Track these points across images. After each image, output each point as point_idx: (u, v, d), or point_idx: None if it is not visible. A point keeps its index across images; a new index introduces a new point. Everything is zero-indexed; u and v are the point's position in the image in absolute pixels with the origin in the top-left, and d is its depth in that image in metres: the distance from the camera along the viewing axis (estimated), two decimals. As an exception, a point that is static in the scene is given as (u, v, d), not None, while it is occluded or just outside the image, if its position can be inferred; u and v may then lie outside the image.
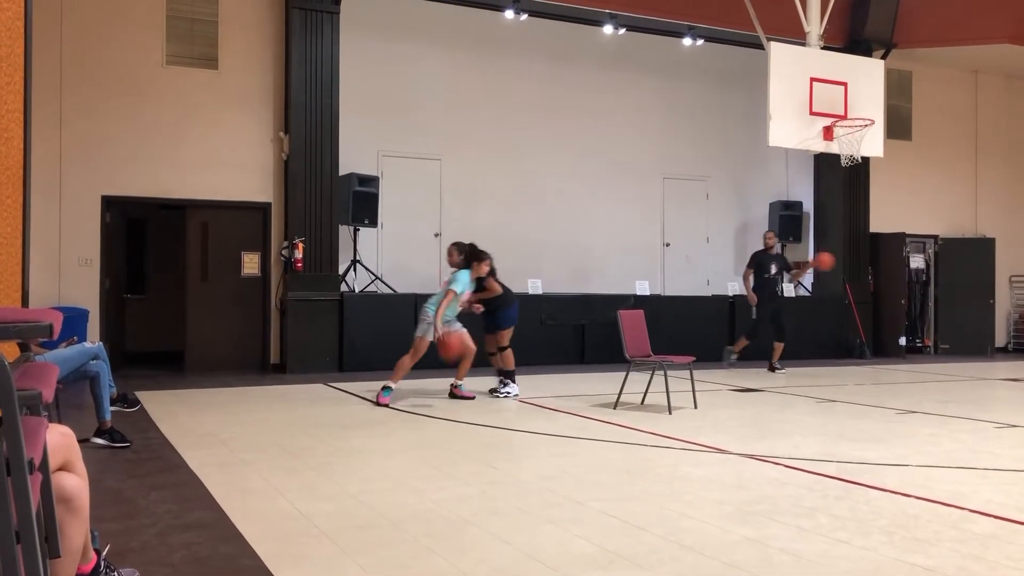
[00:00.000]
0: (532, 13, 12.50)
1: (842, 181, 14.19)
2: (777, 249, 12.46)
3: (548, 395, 8.94)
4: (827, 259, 11.90)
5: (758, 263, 11.96)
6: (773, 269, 11.88)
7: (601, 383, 9.72)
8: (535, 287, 12.46)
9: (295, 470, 5.27)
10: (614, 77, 14.11)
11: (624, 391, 8.14)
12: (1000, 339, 16.12)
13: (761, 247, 12.38)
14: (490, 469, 5.35)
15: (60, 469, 2.41)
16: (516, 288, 12.42)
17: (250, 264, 11.40)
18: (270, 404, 8.16)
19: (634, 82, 14.28)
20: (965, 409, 8.32)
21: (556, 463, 5.54)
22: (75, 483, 2.43)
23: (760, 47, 10.62)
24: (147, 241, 13.61)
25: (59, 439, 2.41)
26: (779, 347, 11.82)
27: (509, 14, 12.32)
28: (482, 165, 13.17)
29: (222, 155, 11.08)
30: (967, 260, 15.65)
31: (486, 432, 6.71)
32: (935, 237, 15.71)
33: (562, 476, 5.13)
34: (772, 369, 11.80)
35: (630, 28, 13.15)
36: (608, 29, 12.94)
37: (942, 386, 10.49)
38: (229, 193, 11.16)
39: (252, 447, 6.00)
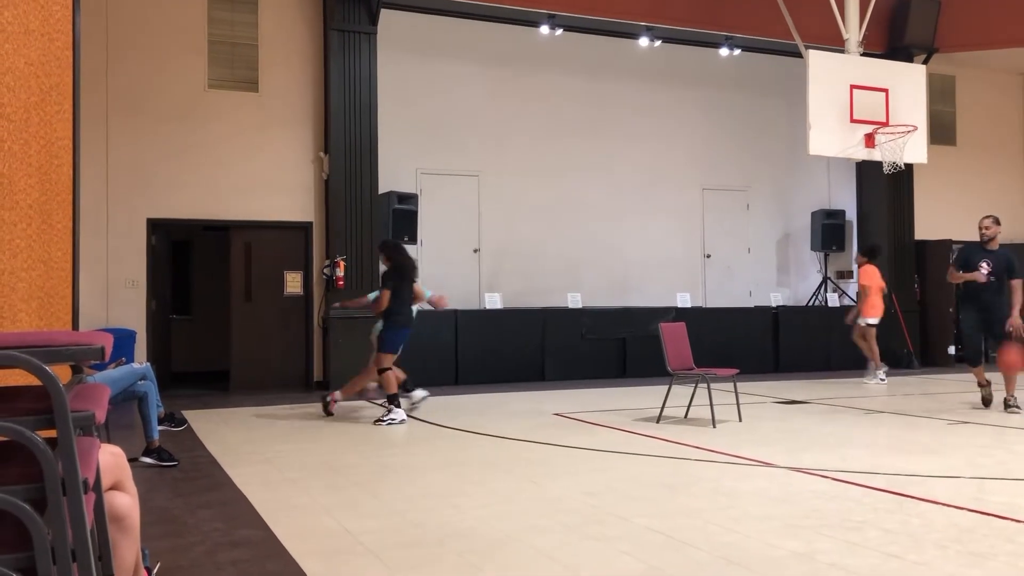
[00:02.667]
0: (567, 28, 12.54)
1: (885, 189, 13.99)
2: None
3: (590, 409, 8.90)
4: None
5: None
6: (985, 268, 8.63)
7: (643, 397, 9.66)
8: (575, 301, 12.45)
9: (340, 487, 5.30)
10: (652, 89, 14.09)
11: (667, 405, 8.07)
12: (1053, 347, 15.70)
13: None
14: (533, 485, 5.34)
15: (111, 488, 2.46)
16: (555, 302, 12.51)
17: (293, 283, 11.54)
18: (314, 421, 8.23)
19: (672, 94, 14.25)
20: (1019, 419, 8.11)
21: (599, 478, 5.51)
22: (126, 502, 2.47)
23: (799, 55, 10.55)
24: (192, 263, 13.84)
25: (110, 459, 2.46)
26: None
27: (544, 29, 12.37)
28: (520, 180, 13.21)
29: (264, 176, 11.26)
30: (1019, 266, 15.27)
31: (528, 448, 6.69)
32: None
33: (605, 492, 5.10)
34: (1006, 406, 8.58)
35: (667, 40, 13.13)
36: (644, 42, 12.94)
37: (996, 395, 10.24)
38: (271, 214, 11.32)
39: (297, 465, 6.06)
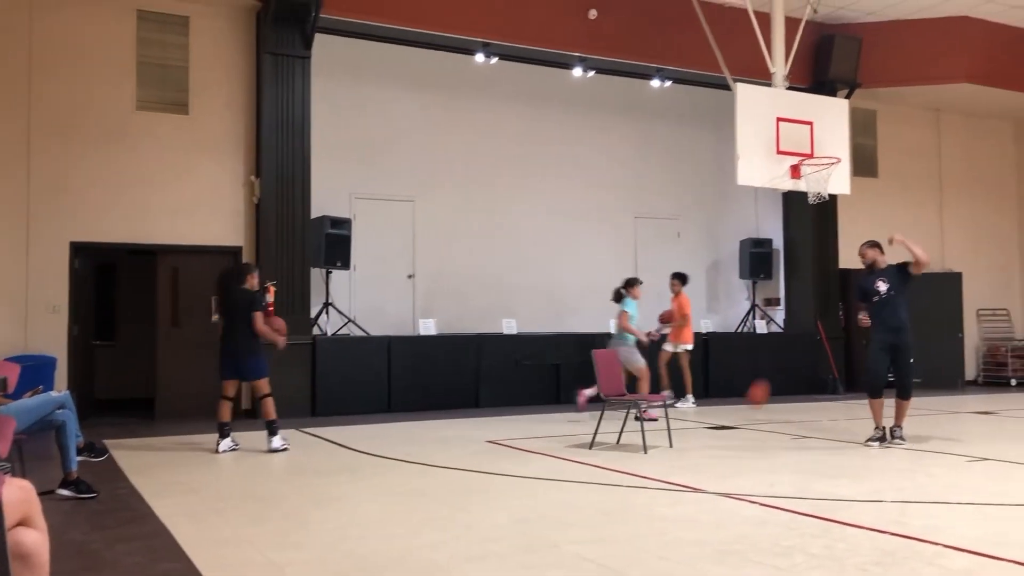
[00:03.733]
0: (503, 56, 12.63)
1: (811, 218, 14.34)
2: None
3: (523, 436, 8.88)
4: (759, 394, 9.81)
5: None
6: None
7: (576, 424, 9.68)
8: (510, 327, 12.45)
9: (267, 518, 5.17)
10: (586, 118, 14.28)
11: (599, 431, 8.11)
12: (970, 372, 16.28)
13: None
14: (465, 514, 5.29)
15: (19, 524, 2.35)
16: (490, 328, 12.49)
17: (221, 309, 11.29)
18: (242, 451, 8.03)
19: (606, 123, 14.46)
20: (937, 443, 8.37)
21: (531, 505, 5.49)
22: (34, 538, 2.36)
23: (728, 88, 10.80)
24: (117, 287, 13.46)
25: (17, 493, 2.35)
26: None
27: (479, 57, 12.44)
28: (456, 206, 13.23)
29: (192, 199, 11.02)
30: (935, 294, 15.83)
31: (461, 476, 6.64)
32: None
33: (538, 519, 5.08)
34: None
35: (600, 71, 13.32)
36: (578, 72, 13.10)
37: (914, 420, 10.53)
38: (200, 238, 11.08)
39: (223, 496, 5.90)
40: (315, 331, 11.40)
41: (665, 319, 11.83)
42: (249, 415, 10.68)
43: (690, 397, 11.88)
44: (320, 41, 11.48)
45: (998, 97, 15.27)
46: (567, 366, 12.28)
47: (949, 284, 15.89)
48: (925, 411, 11.58)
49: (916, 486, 6.11)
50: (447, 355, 11.74)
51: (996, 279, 16.86)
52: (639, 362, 10.27)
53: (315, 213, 11.44)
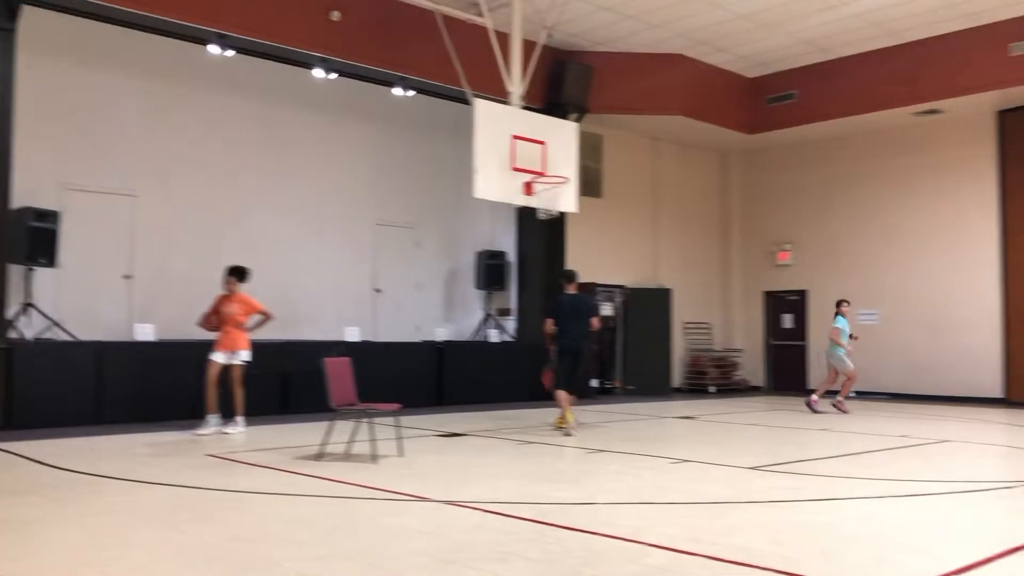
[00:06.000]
0: (240, 50, 12.06)
1: (542, 234, 15.04)
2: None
3: (247, 448, 8.50)
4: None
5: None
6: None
7: (306, 434, 9.40)
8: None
9: (-64, 550, 4.53)
10: (327, 121, 14.03)
11: (330, 441, 7.94)
12: (676, 380, 17.85)
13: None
14: (179, 534, 4.94)
15: None
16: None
17: None
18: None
19: (347, 128, 14.28)
20: (646, 446, 9.05)
21: (253, 523, 5.25)
22: None
23: (467, 102, 11.05)
24: None
25: None
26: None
27: (214, 49, 11.79)
28: (183, 205, 12.46)
29: None
30: (649, 308, 17.24)
31: (175, 493, 6.21)
32: (622, 287, 17.12)
33: (259, 537, 4.86)
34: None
35: (342, 74, 13.12)
36: (319, 73, 12.81)
37: (627, 425, 11.37)
38: None
39: None
40: (12, 334, 10.22)
41: (212, 324, 9.86)
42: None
43: (240, 420, 9.78)
44: (33, 15, 10.35)
45: (706, 130, 16.92)
46: (298, 374, 11.92)
47: (661, 299, 17.36)
48: (637, 416, 12.52)
49: (626, 488, 6.55)
50: (167, 362, 10.98)
51: (701, 295, 18.63)
52: (849, 367, 13.29)
53: (16, 203, 10.28)
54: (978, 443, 9.83)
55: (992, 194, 15.49)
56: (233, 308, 9.82)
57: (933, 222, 16.25)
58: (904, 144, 16.54)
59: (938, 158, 16.16)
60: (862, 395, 15.94)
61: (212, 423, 9.59)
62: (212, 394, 9.66)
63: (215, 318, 9.89)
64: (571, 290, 10.54)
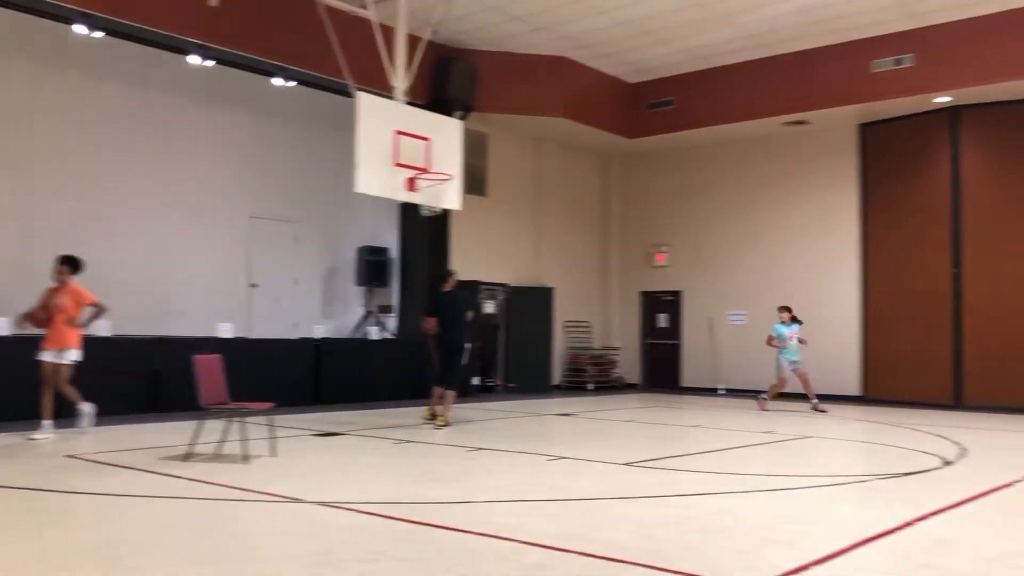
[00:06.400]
0: (109, 32, 11.46)
1: (425, 230, 14.94)
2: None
3: (111, 449, 8.10)
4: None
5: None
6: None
7: (174, 434, 9.03)
8: (103, 328, 11.29)
9: None
10: (202, 109, 13.54)
11: (199, 441, 7.66)
12: (556, 378, 18.08)
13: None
14: (36, 539, 4.66)
15: None
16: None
17: None
18: None
19: (224, 117, 13.83)
20: (525, 444, 9.12)
21: (114, 528, 5.00)
22: None
23: (350, 95, 10.85)
24: None
25: None
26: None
27: (80, 28, 11.16)
28: (39, 189, 11.78)
29: None
30: (531, 307, 17.39)
31: (28, 496, 5.86)
32: (505, 285, 17.22)
33: (120, 542, 4.63)
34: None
35: (220, 61, 12.65)
36: (195, 59, 12.31)
37: (507, 422, 11.44)
38: None
39: None
40: None
41: (39, 319, 9.05)
42: None
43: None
44: None
45: (588, 133, 17.19)
46: (168, 371, 11.45)
47: (543, 298, 17.54)
48: (517, 414, 12.61)
49: (503, 486, 6.58)
50: (21, 359, 10.31)
51: (581, 294, 18.93)
52: (782, 372, 14.00)
53: None
54: (837, 439, 10.36)
55: (853, 202, 16.35)
56: (63, 301, 8.96)
57: (799, 227, 17.03)
58: (774, 152, 17.27)
59: (805, 167, 16.95)
60: (733, 393, 16.57)
61: (47, 428, 8.84)
62: (48, 397, 8.89)
63: (43, 313, 9.01)
64: (448, 288, 11.11)
